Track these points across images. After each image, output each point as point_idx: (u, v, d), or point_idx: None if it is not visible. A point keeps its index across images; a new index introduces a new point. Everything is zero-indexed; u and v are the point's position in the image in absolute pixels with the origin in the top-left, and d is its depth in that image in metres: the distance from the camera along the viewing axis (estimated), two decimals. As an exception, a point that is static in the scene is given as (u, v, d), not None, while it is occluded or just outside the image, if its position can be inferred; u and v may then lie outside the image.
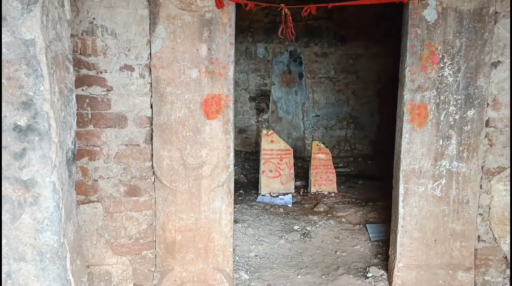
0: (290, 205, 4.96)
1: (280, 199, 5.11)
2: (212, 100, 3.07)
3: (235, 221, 4.30)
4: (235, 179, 6.08)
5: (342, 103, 7.25)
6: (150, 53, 2.98)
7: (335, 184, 5.42)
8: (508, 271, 3.29)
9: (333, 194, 5.31)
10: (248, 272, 3.57)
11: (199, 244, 3.22)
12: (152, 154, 3.09)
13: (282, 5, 3.08)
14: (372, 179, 5.97)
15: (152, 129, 3.06)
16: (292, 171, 5.44)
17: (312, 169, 5.41)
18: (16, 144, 1.94)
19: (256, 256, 3.82)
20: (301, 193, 5.39)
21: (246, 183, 5.86)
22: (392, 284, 3.35)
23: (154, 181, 3.13)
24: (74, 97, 2.31)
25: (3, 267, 2.01)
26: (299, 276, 3.54)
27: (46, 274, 2.05)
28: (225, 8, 2.99)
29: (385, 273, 3.53)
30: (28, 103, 1.92)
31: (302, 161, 6.73)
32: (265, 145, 5.32)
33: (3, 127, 1.92)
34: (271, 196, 5.22)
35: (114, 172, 3.08)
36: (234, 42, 3.06)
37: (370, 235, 4.14)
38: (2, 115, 1.91)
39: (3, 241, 2.00)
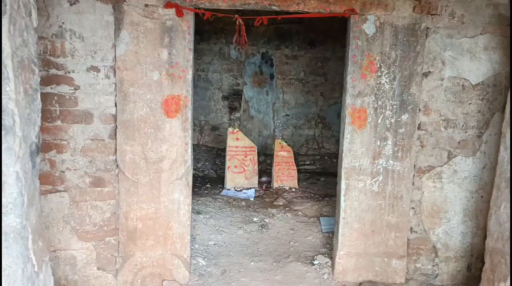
0: (252, 199, 5.29)
1: (244, 193, 5.44)
2: (172, 100, 3.36)
3: (198, 212, 4.61)
4: (204, 174, 6.43)
5: (311, 104, 7.59)
6: (115, 56, 3.26)
7: (296, 180, 5.76)
8: (437, 260, 3.65)
9: (294, 189, 5.65)
10: (206, 259, 3.88)
11: (158, 232, 3.51)
12: (116, 149, 3.37)
13: (237, 16, 3.39)
14: (334, 176, 6.29)
15: (116, 125, 3.34)
16: (256, 167, 5.76)
17: (274, 166, 5.75)
18: (-16, 137, 2.21)
19: (215, 244, 4.14)
20: (263, 188, 5.72)
21: (215, 178, 6.17)
22: (334, 270, 3.69)
23: (118, 173, 3.41)
24: (39, 96, 2.59)
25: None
26: (252, 263, 3.86)
27: (9, 252, 2.32)
28: (184, 17, 3.28)
29: (330, 261, 3.87)
30: (-5, 102, 2.20)
31: (271, 158, 7.04)
32: (230, 142, 5.64)
33: (-27, 122, 2.19)
34: (236, 190, 5.55)
35: (80, 165, 3.35)
36: (192, 48, 3.36)
37: (322, 227, 4.48)
38: (-27, 111, 2.19)
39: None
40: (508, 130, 2.73)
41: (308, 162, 7.05)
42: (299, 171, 6.48)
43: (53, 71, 3.21)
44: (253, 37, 7.27)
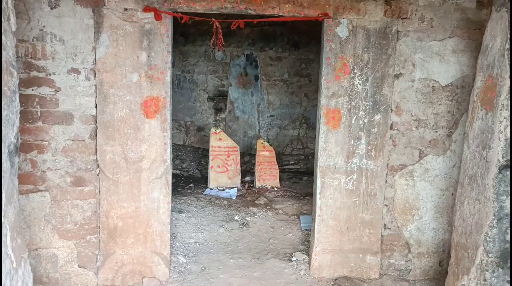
0: (234, 198, 5.39)
1: (226, 192, 5.53)
2: (151, 101, 3.45)
3: (180, 211, 4.69)
4: (189, 174, 6.51)
5: (295, 105, 7.70)
6: (95, 58, 3.34)
7: (278, 179, 5.87)
8: (410, 255, 3.76)
9: (275, 189, 5.76)
10: (186, 256, 3.97)
11: (139, 230, 3.59)
12: (96, 149, 3.45)
13: (213, 19, 3.49)
14: (317, 176, 6.43)
15: (96, 126, 3.42)
16: (239, 167, 5.86)
17: (257, 166, 5.85)
18: (-37, 137, 2.29)
19: (195, 242, 4.23)
20: (246, 187, 5.82)
21: (199, 178, 6.26)
22: (310, 267, 3.79)
23: (98, 173, 3.49)
24: (17, 98, 2.66)
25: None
26: (231, 260, 3.96)
27: (-12, 249, 2.40)
28: (163, 21, 3.37)
29: (307, 258, 3.97)
30: (-27, 103, 2.28)
31: (255, 158, 7.15)
32: (213, 142, 5.73)
33: (-48, 123, 2.27)
34: (218, 189, 5.64)
35: (61, 164, 3.42)
36: (171, 51, 3.45)
37: (302, 225, 4.58)
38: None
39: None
40: (471, 129, 2.85)
41: (292, 162, 7.17)
42: (283, 171, 6.60)
43: (34, 73, 3.28)
44: (237, 39, 7.38)
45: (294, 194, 5.59)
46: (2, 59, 2.45)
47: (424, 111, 3.58)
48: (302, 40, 7.43)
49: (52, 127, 3.37)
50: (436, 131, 3.61)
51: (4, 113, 2.44)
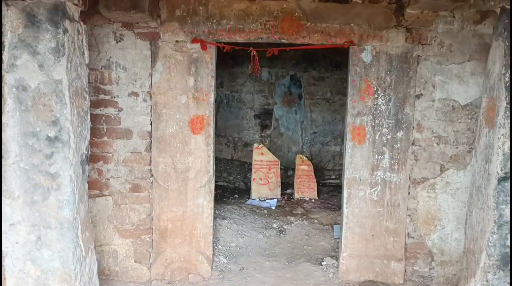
0: (273, 208, 5.83)
1: (267, 202, 5.98)
2: (197, 119, 3.98)
3: (224, 218, 5.19)
4: (235, 186, 7.02)
5: (337, 122, 8.06)
6: (151, 83, 3.92)
7: (315, 191, 6.25)
8: (433, 263, 4.03)
9: (313, 200, 6.14)
10: (227, 258, 4.44)
11: (185, 232, 4.10)
12: (151, 160, 4.01)
13: (251, 48, 4.00)
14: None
15: (151, 140, 3.98)
16: (279, 179, 6.30)
17: (296, 178, 6.27)
18: (47, 148, 2.90)
19: (236, 246, 4.70)
20: (286, 198, 6.25)
21: (244, 190, 6.75)
22: (339, 270, 4.14)
23: (152, 181, 4.04)
24: (89, 117, 3.27)
25: (35, 232, 2.95)
26: (267, 262, 4.38)
27: (64, 238, 2.98)
28: (208, 50, 3.90)
29: (337, 262, 4.33)
30: (56, 121, 2.88)
31: (298, 172, 7.56)
32: (256, 156, 6.22)
33: (39, 137, 2.88)
34: (260, 200, 6.10)
35: (122, 173, 4.01)
36: (214, 75, 3.98)
37: (334, 233, 4.94)
38: (38, 129, 2.88)
39: (35, 214, 2.95)
40: (478, 145, 3.15)
41: (334, 176, 7.51)
42: (324, 184, 6.97)
43: (102, 96, 3.90)
44: (283, 61, 7.87)
45: (330, 205, 5.95)
46: (78, 86, 3.06)
47: (445, 129, 3.88)
48: (343, 60, 7.77)
49: (115, 141, 3.97)
50: (457, 147, 3.89)
51: (78, 129, 3.04)
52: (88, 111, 3.26)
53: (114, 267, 4.09)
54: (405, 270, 4.06)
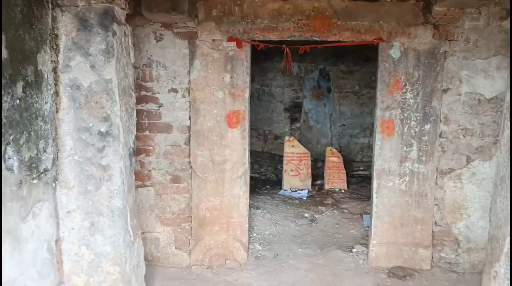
0: (304, 198, 6.03)
1: (298, 193, 6.20)
2: (233, 114, 4.21)
3: (257, 208, 5.43)
4: (266, 177, 7.26)
5: (365, 115, 8.18)
6: (189, 80, 4.16)
7: (345, 182, 6.43)
8: (459, 250, 4.17)
9: (343, 191, 6.32)
10: (262, 245, 4.68)
11: (222, 220, 4.35)
12: (189, 153, 4.26)
13: (284, 46, 4.19)
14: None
15: (190, 134, 4.24)
16: (310, 171, 6.50)
17: (326, 170, 6.45)
18: (99, 142, 3.17)
19: (270, 234, 4.93)
20: (316, 189, 6.44)
21: (275, 181, 6.98)
22: (368, 257, 4.33)
23: (191, 172, 4.30)
24: (135, 113, 3.53)
25: (89, 219, 3.25)
26: (300, 250, 4.60)
27: (115, 225, 3.26)
28: (243, 48, 4.12)
29: (366, 249, 4.51)
30: (106, 117, 3.15)
31: (328, 164, 7.74)
32: (287, 149, 6.44)
33: (92, 132, 3.16)
34: (291, 190, 6.32)
35: (162, 165, 4.29)
36: (249, 72, 4.19)
37: (364, 222, 5.12)
38: (90, 124, 3.15)
39: (89, 202, 3.24)
40: (502, 137, 3.27)
41: (362, 168, 7.65)
42: (352, 176, 7.13)
43: (143, 93, 4.17)
44: (312, 55, 8.01)
45: (359, 196, 6.12)
46: (125, 84, 3.32)
47: (471, 121, 4.00)
48: (372, 54, 7.87)
49: (156, 135, 4.24)
50: (483, 139, 4.01)
51: (126, 124, 3.31)
52: (134, 107, 3.52)
53: (156, 253, 4.38)
54: (432, 257, 4.22)
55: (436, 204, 4.15)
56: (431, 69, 3.96)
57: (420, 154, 4.08)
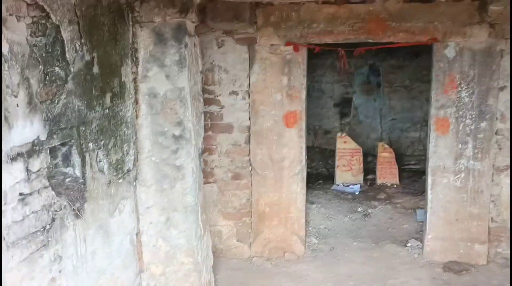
0: (357, 193, 6.20)
1: (350, 188, 6.36)
2: (290, 114, 4.42)
3: (312, 203, 5.64)
4: (318, 172, 7.44)
5: (416, 109, 8.17)
6: (249, 83, 4.40)
7: (397, 177, 6.53)
8: (516, 246, 4.23)
9: (395, 186, 6.43)
10: (317, 238, 4.90)
11: (281, 215, 4.58)
12: (249, 151, 4.51)
13: (340, 48, 4.36)
14: (437, 175, 6.93)
15: (249, 134, 4.48)
16: (362, 166, 6.64)
17: (378, 165, 6.58)
18: (173, 145, 3.47)
19: (325, 228, 5.14)
20: (368, 184, 6.58)
21: (327, 175, 7.16)
22: (423, 251, 4.46)
23: (251, 170, 4.55)
24: (203, 117, 3.81)
25: (165, 214, 3.56)
26: (355, 243, 4.79)
27: (188, 220, 3.56)
28: (300, 52, 4.31)
29: (421, 244, 4.63)
30: (180, 122, 3.44)
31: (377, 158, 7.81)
32: (339, 145, 6.62)
33: (167, 136, 3.46)
34: (343, 185, 6.49)
35: (224, 163, 4.56)
36: (306, 74, 4.38)
37: (417, 217, 5.23)
38: (166, 129, 3.45)
39: (165, 199, 3.55)
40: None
41: (413, 162, 7.69)
42: (404, 170, 7.20)
43: (206, 95, 4.43)
44: (361, 50, 8.09)
45: (412, 190, 6.21)
46: (195, 91, 3.60)
47: (528, 118, 4.04)
48: (422, 49, 7.86)
49: (218, 135, 4.52)
50: (540, 136, 4.04)
51: (196, 128, 3.60)
52: (203, 111, 3.81)
53: (219, 245, 4.67)
54: (489, 252, 4.30)
55: (493, 201, 4.22)
56: (487, 67, 4.02)
57: (476, 151, 4.15)
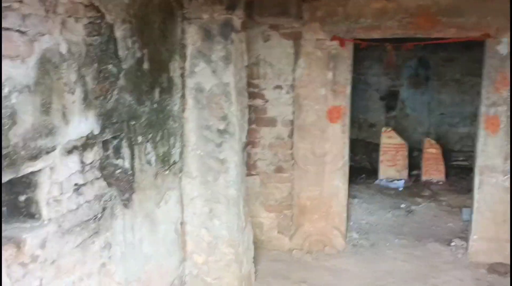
0: (401, 189, 6.12)
1: (394, 183, 6.29)
2: (334, 109, 4.42)
3: (354, 197, 5.62)
4: (361, 166, 7.38)
5: (466, 103, 7.92)
6: (293, 78, 4.42)
7: (443, 174, 6.39)
8: None
9: (440, 182, 6.30)
10: (358, 233, 4.89)
11: (322, 209, 4.61)
12: (292, 145, 4.55)
13: (387, 43, 4.30)
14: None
15: (292, 128, 4.51)
16: (406, 161, 6.54)
17: (424, 161, 6.46)
18: (218, 139, 3.56)
19: (366, 223, 5.12)
20: (412, 180, 6.48)
21: (370, 170, 7.10)
22: (468, 251, 4.37)
23: (293, 163, 4.58)
24: (247, 111, 3.88)
25: (208, 205, 3.66)
26: (396, 240, 4.75)
27: (230, 211, 3.66)
28: (346, 47, 4.29)
29: (466, 244, 4.54)
30: (224, 117, 3.52)
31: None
32: (384, 140, 6.53)
33: (212, 130, 3.55)
34: (387, 181, 6.42)
35: (267, 156, 4.62)
36: (351, 69, 4.36)
37: (463, 216, 5.12)
38: (211, 123, 3.54)
39: (208, 191, 3.65)
40: None
41: (461, 158, 7.48)
42: (451, 167, 7.04)
43: (251, 89, 4.47)
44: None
45: (459, 188, 6.07)
46: (240, 86, 3.66)
47: None
48: (474, 41, 7.60)
49: (261, 128, 4.58)
50: None
51: (241, 122, 3.67)
52: (247, 106, 3.87)
53: (260, 237, 4.75)
54: (537, 255, 4.16)
55: (543, 203, 4.08)
56: (541, 65, 3.87)
57: (527, 151, 4.02)
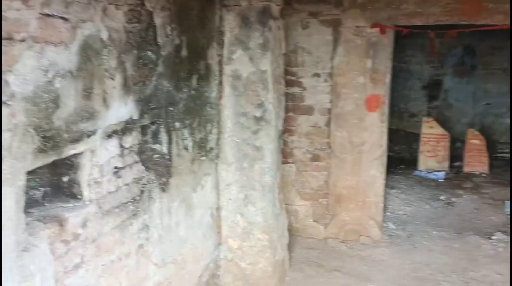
0: (441, 180, 5.97)
1: (434, 174, 6.14)
2: (373, 98, 4.35)
3: (392, 187, 5.54)
4: (400, 156, 7.25)
5: (514, 93, 7.62)
6: (332, 65, 4.38)
7: (487, 166, 6.18)
8: None
9: (483, 175, 6.10)
10: (395, 224, 4.83)
11: (358, 198, 4.58)
12: (329, 134, 4.53)
13: (429, 30, 4.18)
14: (531, 165, 6.45)
15: (330, 116, 4.49)
16: (448, 152, 6.36)
17: (466, 152, 6.26)
18: (254, 126, 3.58)
19: (403, 214, 5.05)
20: (454, 171, 6.30)
21: (409, 160, 6.96)
22: (510, 245, 4.24)
23: (330, 152, 4.57)
24: (283, 99, 3.88)
25: (243, 192, 3.71)
26: (434, 232, 4.66)
27: (265, 198, 3.69)
28: (386, 34, 4.21)
29: (507, 238, 4.40)
30: (261, 104, 3.54)
31: (467, 145, 7.42)
32: (425, 130, 6.37)
33: (248, 117, 3.58)
34: (427, 172, 6.28)
35: (303, 144, 4.62)
36: (391, 58, 4.28)
37: (506, 210, 4.95)
38: (247, 110, 3.57)
39: (244, 178, 3.69)
40: None
41: (507, 150, 7.22)
42: (496, 158, 6.81)
43: (288, 77, 4.49)
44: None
45: (503, 181, 5.87)
46: (277, 74, 3.67)
47: None
48: (525, 28, 7.27)
49: (298, 116, 4.57)
50: None
51: (277, 109, 3.68)
52: (284, 93, 3.88)
53: (295, 224, 4.78)
54: None
55: None
56: None
57: None
